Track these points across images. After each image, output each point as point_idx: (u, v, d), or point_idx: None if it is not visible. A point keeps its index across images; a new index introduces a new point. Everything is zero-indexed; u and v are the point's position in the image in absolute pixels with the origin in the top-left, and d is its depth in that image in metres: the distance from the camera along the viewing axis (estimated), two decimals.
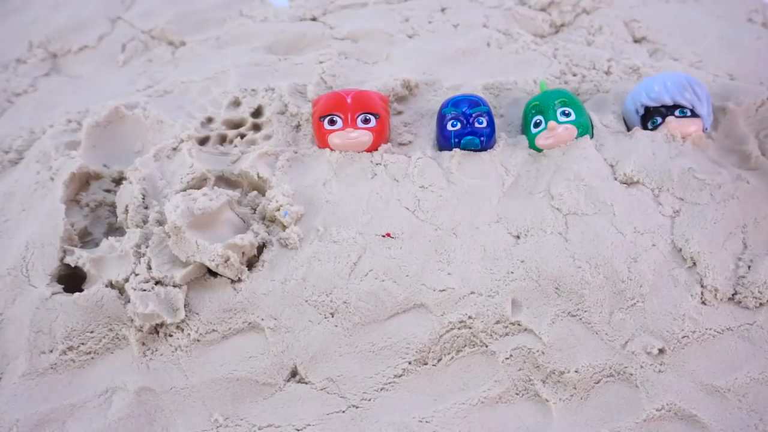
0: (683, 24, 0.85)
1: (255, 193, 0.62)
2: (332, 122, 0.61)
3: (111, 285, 0.55)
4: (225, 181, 0.64)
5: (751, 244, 0.57)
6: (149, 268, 0.55)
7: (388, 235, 0.57)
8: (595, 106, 0.70)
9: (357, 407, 0.52)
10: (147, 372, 0.53)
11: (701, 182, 0.59)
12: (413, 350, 0.54)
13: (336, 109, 0.61)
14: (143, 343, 0.55)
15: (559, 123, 0.62)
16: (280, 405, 0.52)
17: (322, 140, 0.63)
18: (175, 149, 0.65)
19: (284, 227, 0.58)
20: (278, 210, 0.58)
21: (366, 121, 0.61)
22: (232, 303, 0.56)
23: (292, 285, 0.56)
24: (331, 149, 0.63)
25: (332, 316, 0.55)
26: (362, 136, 0.61)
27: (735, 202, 0.58)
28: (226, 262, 0.55)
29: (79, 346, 0.54)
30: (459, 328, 0.55)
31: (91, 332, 0.55)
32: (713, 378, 0.52)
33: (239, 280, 0.56)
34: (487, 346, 0.54)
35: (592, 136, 0.64)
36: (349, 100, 0.61)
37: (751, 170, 0.63)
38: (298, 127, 0.68)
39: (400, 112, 0.70)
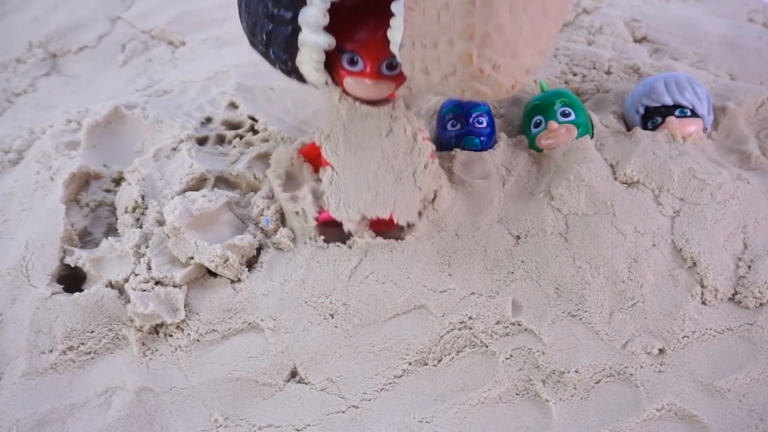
0: (684, 24, 0.85)
1: (252, 194, 0.62)
2: (353, 62, 0.48)
3: (111, 285, 0.55)
4: (224, 181, 0.64)
5: (751, 244, 0.57)
6: (149, 268, 0.55)
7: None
8: (595, 106, 0.70)
9: (357, 407, 0.52)
10: (147, 372, 0.53)
11: (701, 182, 0.59)
12: (413, 351, 0.54)
13: (361, 47, 0.47)
14: (143, 343, 0.55)
15: (560, 123, 0.62)
16: (280, 405, 0.52)
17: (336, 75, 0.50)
18: (174, 149, 0.65)
19: (274, 232, 0.58)
20: (262, 215, 0.58)
21: (391, 67, 0.48)
22: (231, 303, 0.56)
23: (291, 286, 0.56)
24: (341, 89, 0.51)
25: (332, 318, 0.55)
26: (385, 87, 0.50)
27: (735, 202, 0.58)
28: (225, 262, 0.55)
29: (79, 346, 0.54)
30: (459, 329, 0.55)
31: (91, 332, 0.55)
32: (713, 378, 0.52)
33: (239, 280, 0.56)
34: (487, 347, 0.54)
35: (592, 136, 0.64)
36: (379, 37, 0.46)
37: (751, 170, 0.63)
38: (296, 129, 0.68)
39: None
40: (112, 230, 0.63)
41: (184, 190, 0.60)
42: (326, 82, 0.50)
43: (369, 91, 0.50)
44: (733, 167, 0.63)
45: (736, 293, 0.55)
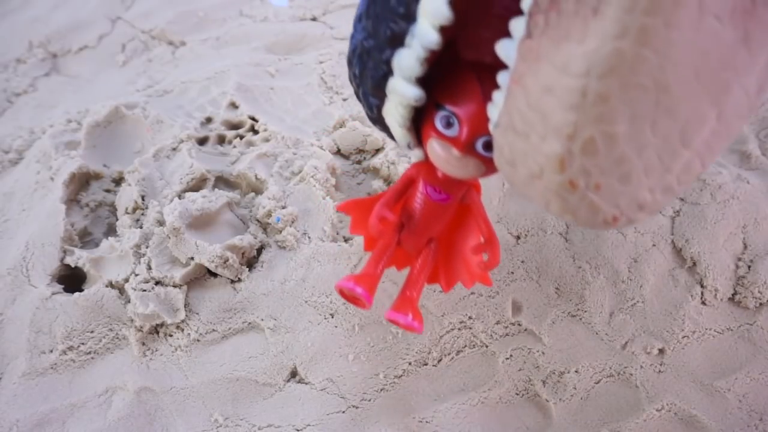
0: None
1: (253, 194, 0.62)
2: (448, 124, 0.38)
3: (111, 285, 0.56)
4: (224, 181, 0.64)
5: (751, 244, 0.57)
6: (149, 268, 0.55)
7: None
8: None
9: (357, 407, 0.52)
10: (147, 372, 0.54)
11: (701, 182, 0.59)
12: (413, 351, 0.54)
13: (463, 110, 0.37)
14: (143, 343, 0.55)
15: None
16: (280, 405, 0.52)
17: (423, 132, 0.40)
18: (174, 149, 0.65)
19: (279, 231, 0.58)
20: (269, 215, 0.58)
21: (488, 147, 0.37)
22: (231, 303, 0.56)
23: (291, 285, 0.56)
24: (421, 149, 0.41)
25: (332, 317, 0.55)
26: (472, 167, 0.38)
27: (735, 202, 0.58)
28: (225, 263, 0.55)
29: (79, 346, 0.54)
30: (459, 329, 0.55)
31: (91, 332, 0.55)
32: (713, 378, 0.52)
33: (239, 280, 0.56)
34: (487, 347, 0.54)
35: None
36: (486, 107, 0.35)
37: (751, 170, 0.63)
38: (296, 128, 0.68)
39: None
40: (112, 230, 0.63)
41: (185, 190, 0.60)
42: (408, 145, 0.41)
43: (453, 164, 0.39)
44: (733, 167, 0.63)
45: (735, 293, 0.55)
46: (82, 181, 0.65)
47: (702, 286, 0.55)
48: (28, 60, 0.87)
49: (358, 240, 0.57)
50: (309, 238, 0.58)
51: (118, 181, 0.65)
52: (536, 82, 0.29)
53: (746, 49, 0.29)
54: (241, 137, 0.68)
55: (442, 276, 0.49)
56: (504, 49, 0.32)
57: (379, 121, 0.41)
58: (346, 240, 0.58)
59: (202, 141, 0.68)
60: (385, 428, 0.50)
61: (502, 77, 0.33)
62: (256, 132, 0.69)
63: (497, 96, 0.33)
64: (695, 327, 0.54)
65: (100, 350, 0.55)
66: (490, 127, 0.34)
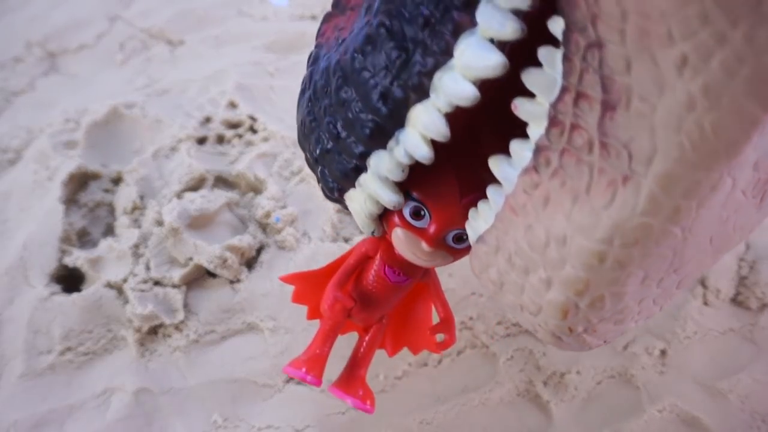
0: None
1: (252, 194, 0.62)
2: (418, 215, 0.34)
3: (109, 285, 0.55)
4: (223, 181, 0.64)
5: (753, 244, 0.57)
6: (148, 268, 0.55)
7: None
8: None
9: (357, 409, 0.51)
10: (145, 373, 0.53)
11: None
12: None
13: (436, 204, 0.34)
14: (142, 344, 0.54)
15: None
16: (280, 406, 0.52)
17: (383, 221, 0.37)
18: (173, 149, 0.65)
19: (279, 231, 0.58)
20: (268, 216, 0.58)
21: (459, 240, 0.35)
22: (230, 303, 0.55)
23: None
24: (385, 237, 0.38)
25: None
26: (440, 259, 0.36)
27: None
28: (224, 263, 0.54)
29: (77, 347, 0.54)
30: (460, 330, 0.54)
31: (90, 333, 0.54)
32: (715, 379, 0.52)
33: (238, 280, 0.56)
34: (488, 348, 0.54)
35: None
36: (464, 203, 0.33)
37: None
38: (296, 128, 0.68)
39: None
40: (110, 230, 0.63)
41: (183, 190, 0.60)
42: (372, 233, 0.38)
43: (419, 256, 0.36)
44: None
45: (738, 294, 0.55)
46: (80, 180, 0.64)
47: (704, 287, 0.55)
48: (27, 59, 0.86)
49: (358, 240, 0.57)
50: (309, 238, 0.58)
51: (117, 180, 0.65)
52: (545, 228, 0.28)
53: (758, 212, 0.30)
54: (240, 137, 0.68)
55: (389, 344, 0.48)
56: (501, 169, 0.30)
57: (338, 201, 0.37)
58: (346, 240, 0.58)
59: (201, 140, 0.68)
60: (385, 429, 0.50)
61: (492, 192, 0.31)
62: (255, 131, 0.68)
63: (484, 208, 0.31)
64: (697, 328, 0.53)
65: (98, 351, 0.54)
66: (471, 237, 0.32)
